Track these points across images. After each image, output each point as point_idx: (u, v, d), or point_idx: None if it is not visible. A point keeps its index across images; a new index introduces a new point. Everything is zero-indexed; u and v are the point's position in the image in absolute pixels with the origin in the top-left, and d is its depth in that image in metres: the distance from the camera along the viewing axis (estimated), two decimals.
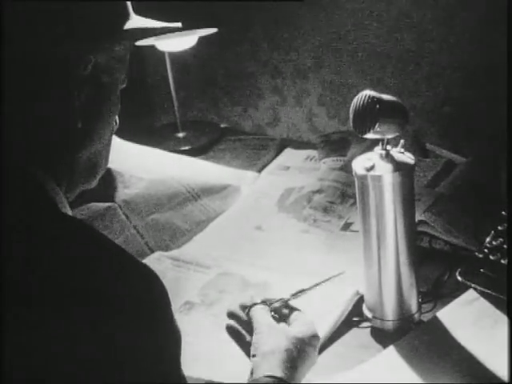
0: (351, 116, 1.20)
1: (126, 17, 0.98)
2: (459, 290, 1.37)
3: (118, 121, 1.05)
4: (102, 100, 0.98)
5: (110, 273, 0.87)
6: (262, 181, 1.88)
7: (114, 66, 0.98)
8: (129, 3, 1.00)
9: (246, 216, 1.72)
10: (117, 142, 1.93)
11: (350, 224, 1.62)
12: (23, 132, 0.92)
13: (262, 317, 1.16)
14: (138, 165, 1.81)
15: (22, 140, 0.92)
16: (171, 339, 0.90)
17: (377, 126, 1.18)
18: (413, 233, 1.29)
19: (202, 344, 1.32)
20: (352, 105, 1.20)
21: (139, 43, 1.95)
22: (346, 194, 1.71)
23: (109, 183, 1.72)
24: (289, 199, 1.75)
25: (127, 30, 0.97)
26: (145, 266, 0.91)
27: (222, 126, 2.23)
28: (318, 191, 1.73)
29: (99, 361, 0.83)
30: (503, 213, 1.46)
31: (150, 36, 1.03)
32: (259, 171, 1.93)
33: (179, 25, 1.04)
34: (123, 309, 0.85)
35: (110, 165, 1.72)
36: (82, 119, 0.94)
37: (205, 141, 2.12)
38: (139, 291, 0.88)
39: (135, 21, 1.00)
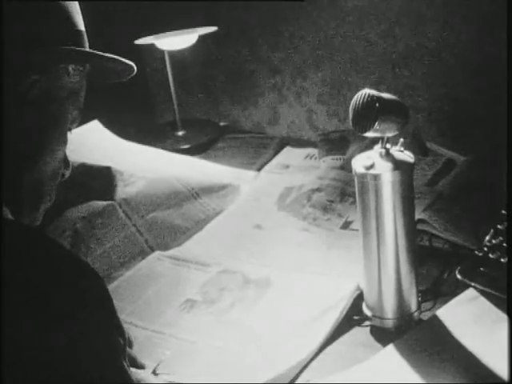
0: (351, 114, 1.20)
1: (77, 44, 0.97)
2: (459, 288, 1.37)
3: (69, 163, 1.05)
4: (46, 129, 0.97)
5: (45, 268, 0.86)
6: (262, 180, 1.88)
7: (65, 97, 0.98)
8: (85, 35, 0.99)
9: (245, 215, 1.73)
10: (117, 142, 1.94)
11: (350, 223, 1.62)
12: None
13: None
14: (138, 164, 1.81)
15: None
16: (111, 339, 0.89)
17: (376, 125, 1.18)
18: (412, 231, 1.29)
19: (204, 342, 1.32)
20: (352, 103, 1.20)
21: (138, 42, 1.95)
22: (345, 192, 1.71)
23: (109, 182, 1.72)
24: (288, 198, 1.75)
25: (72, 50, 0.96)
26: (83, 264, 0.90)
27: (222, 124, 2.23)
28: (318, 190, 1.73)
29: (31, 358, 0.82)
30: (503, 211, 1.46)
31: (95, 59, 0.99)
32: (259, 170, 1.93)
33: (133, 66, 1.02)
34: (57, 305, 0.84)
35: (110, 163, 1.75)
36: (23, 142, 0.94)
37: (204, 139, 2.12)
38: (74, 289, 0.86)
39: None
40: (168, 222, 1.68)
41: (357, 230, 1.44)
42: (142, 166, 1.81)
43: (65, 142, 1.01)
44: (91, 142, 1.88)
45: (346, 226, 1.63)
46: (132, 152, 1.90)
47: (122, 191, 1.70)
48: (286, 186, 1.80)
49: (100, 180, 1.73)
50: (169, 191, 1.74)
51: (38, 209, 1.01)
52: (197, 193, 1.77)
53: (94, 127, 1.94)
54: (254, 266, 1.51)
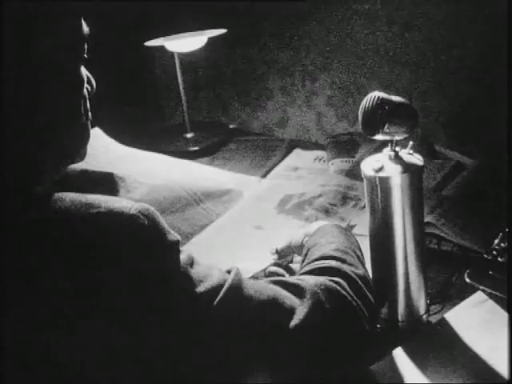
0: (360, 117, 1.20)
1: None
2: (467, 291, 1.37)
3: (94, 85, 1.06)
4: (64, 79, 0.99)
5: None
6: (263, 186, 1.87)
7: (71, 39, 0.99)
8: None
9: (245, 217, 1.73)
10: (119, 148, 1.93)
11: (353, 227, 1.62)
12: None
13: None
14: (140, 170, 1.81)
15: None
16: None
17: (386, 128, 1.18)
18: (421, 234, 1.29)
19: None
20: (361, 106, 1.20)
21: (148, 44, 1.96)
22: (347, 196, 1.71)
23: (111, 188, 1.72)
24: (289, 204, 1.75)
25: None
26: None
27: (231, 126, 2.24)
28: (320, 195, 1.73)
29: None
30: None
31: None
32: (268, 172, 1.93)
33: None
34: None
35: (113, 170, 1.74)
36: (45, 102, 0.96)
37: (213, 141, 2.13)
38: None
39: None
40: (171, 227, 1.67)
41: (360, 235, 1.43)
42: (144, 172, 1.80)
43: (82, 82, 1.02)
44: (93, 149, 1.87)
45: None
46: (134, 158, 1.90)
47: (125, 197, 1.70)
48: (286, 193, 1.79)
49: (102, 186, 1.72)
50: (172, 197, 1.74)
51: (78, 153, 1.06)
52: (200, 198, 1.76)
53: (96, 134, 1.94)
54: (254, 263, 1.51)
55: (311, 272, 1.15)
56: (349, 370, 1.13)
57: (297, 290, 1.07)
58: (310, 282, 1.09)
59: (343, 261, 1.17)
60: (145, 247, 0.95)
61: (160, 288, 0.95)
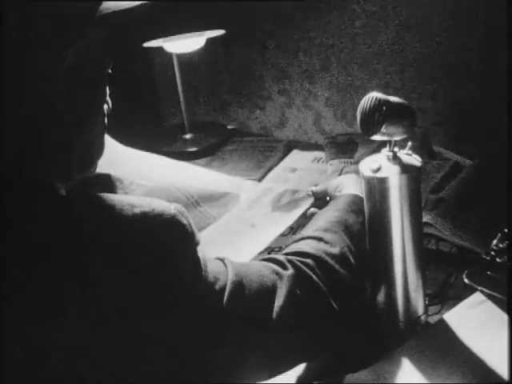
0: (359, 118, 1.20)
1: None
2: (466, 292, 1.37)
3: (110, 103, 1.07)
4: (88, 93, 0.99)
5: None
6: (259, 188, 1.87)
7: (99, 53, 1.00)
8: None
9: (240, 218, 1.73)
10: (117, 148, 1.93)
11: None
12: (17, 132, 0.93)
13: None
14: (138, 171, 1.80)
15: (15, 139, 0.93)
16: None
17: (384, 128, 1.18)
18: (420, 235, 1.29)
19: None
20: (359, 106, 1.20)
21: (147, 44, 1.96)
22: None
23: (108, 189, 1.71)
24: (281, 200, 1.75)
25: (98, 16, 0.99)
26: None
27: (230, 127, 2.24)
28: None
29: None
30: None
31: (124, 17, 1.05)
32: (266, 173, 1.93)
33: None
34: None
35: (110, 171, 1.74)
36: (69, 115, 0.96)
37: (212, 142, 2.13)
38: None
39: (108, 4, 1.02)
40: None
41: None
42: (141, 173, 1.80)
43: (105, 94, 1.04)
44: None
45: None
46: (132, 159, 1.89)
47: None
48: (279, 192, 1.80)
49: (99, 188, 1.72)
50: (169, 199, 1.73)
51: (92, 163, 1.07)
52: (196, 201, 1.76)
53: None
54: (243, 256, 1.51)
55: (286, 254, 1.17)
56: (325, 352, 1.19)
57: (275, 272, 1.09)
58: (285, 265, 1.11)
59: (319, 239, 1.20)
60: (187, 246, 0.97)
61: (192, 287, 0.96)
